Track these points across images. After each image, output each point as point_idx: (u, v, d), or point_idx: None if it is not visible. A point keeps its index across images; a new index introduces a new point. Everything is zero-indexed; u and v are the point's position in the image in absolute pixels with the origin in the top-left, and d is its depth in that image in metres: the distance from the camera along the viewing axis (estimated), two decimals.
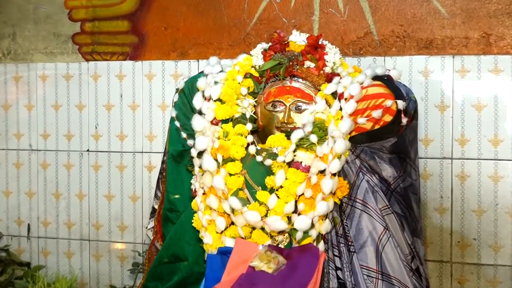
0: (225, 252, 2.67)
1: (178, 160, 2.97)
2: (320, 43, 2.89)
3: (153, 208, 3.16)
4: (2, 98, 4.09)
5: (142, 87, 3.81)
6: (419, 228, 2.89)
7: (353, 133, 2.65)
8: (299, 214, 2.61)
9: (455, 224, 3.35)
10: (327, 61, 2.84)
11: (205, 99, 2.84)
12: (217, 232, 2.74)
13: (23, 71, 4.05)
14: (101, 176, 3.92)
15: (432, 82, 3.36)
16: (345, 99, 2.63)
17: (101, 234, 3.95)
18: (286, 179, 2.63)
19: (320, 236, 2.65)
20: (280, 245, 2.67)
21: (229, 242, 2.70)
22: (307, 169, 2.63)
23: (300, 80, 2.81)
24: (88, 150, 3.94)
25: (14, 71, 4.06)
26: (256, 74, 2.89)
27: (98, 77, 3.89)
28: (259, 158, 2.73)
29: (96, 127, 3.91)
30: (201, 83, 2.88)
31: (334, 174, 2.60)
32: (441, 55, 3.36)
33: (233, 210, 2.67)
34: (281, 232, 2.66)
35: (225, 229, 2.73)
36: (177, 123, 2.95)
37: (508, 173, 3.27)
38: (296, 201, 2.62)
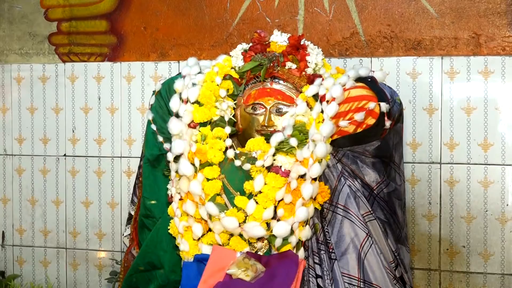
0: (201, 260, 2.69)
1: (155, 164, 2.99)
2: (302, 43, 2.91)
3: (130, 214, 3.18)
4: None
5: (121, 89, 3.84)
6: (404, 235, 2.92)
7: (335, 137, 2.68)
8: (278, 220, 2.63)
9: (443, 231, 3.39)
10: (309, 62, 2.86)
11: (183, 101, 2.86)
12: (193, 239, 2.76)
13: None
14: (79, 182, 3.95)
15: (420, 84, 3.39)
16: (327, 101, 2.65)
17: (79, 242, 3.97)
18: (265, 184, 2.65)
19: (300, 243, 2.68)
20: (259, 252, 2.69)
21: (206, 249, 2.72)
22: (286, 174, 2.65)
23: (281, 81, 2.84)
24: (65, 155, 3.96)
25: None
26: (236, 76, 2.92)
27: (76, 78, 3.92)
28: (237, 163, 2.75)
29: (73, 131, 3.93)
30: (178, 84, 2.90)
31: (314, 179, 2.63)
32: (429, 56, 3.39)
33: (210, 216, 2.69)
34: (260, 239, 2.68)
35: (202, 236, 2.75)
36: (154, 126, 2.96)
37: (498, 178, 3.31)
38: (275, 207, 2.64)
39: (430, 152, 3.39)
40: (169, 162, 2.85)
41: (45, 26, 3.99)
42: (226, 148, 2.79)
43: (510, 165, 3.30)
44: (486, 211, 3.33)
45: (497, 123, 3.30)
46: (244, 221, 2.66)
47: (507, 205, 3.30)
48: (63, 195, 3.98)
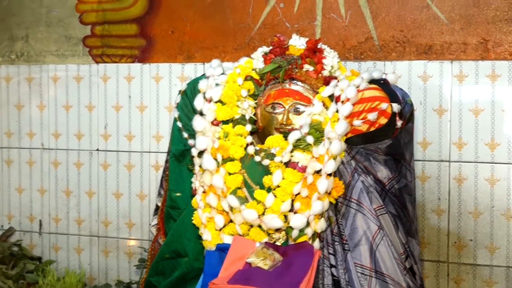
0: (223, 249, 2.68)
1: (180, 159, 2.99)
2: (319, 47, 2.89)
3: (157, 205, 3.18)
4: (15, 99, 4.14)
5: (150, 89, 3.85)
6: (414, 228, 2.90)
7: (349, 135, 2.66)
8: (295, 213, 2.62)
9: (452, 225, 3.36)
10: (325, 65, 2.84)
11: (206, 100, 2.85)
12: (216, 230, 2.75)
13: (35, 72, 4.10)
14: (110, 175, 3.96)
15: (431, 87, 3.37)
16: (342, 101, 2.63)
17: (110, 230, 3.98)
18: (283, 178, 2.64)
19: (315, 235, 2.66)
20: (276, 243, 2.68)
21: (227, 239, 2.71)
22: (303, 169, 2.63)
23: (299, 83, 2.82)
24: (97, 149, 3.98)
25: (27, 72, 4.11)
26: (257, 77, 2.90)
27: (108, 78, 3.93)
28: (257, 158, 2.74)
29: (105, 127, 3.95)
30: (202, 85, 2.89)
31: (329, 175, 2.61)
32: (440, 60, 3.36)
33: (231, 208, 2.68)
34: (277, 230, 2.67)
35: (223, 227, 2.74)
36: (179, 124, 2.96)
37: (504, 176, 3.28)
38: (292, 200, 2.63)
39: (440, 151, 3.36)
40: (193, 157, 2.84)
41: (80, 29, 4.00)
42: (247, 145, 2.77)
43: None
44: (493, 207, 3.30)
45: (504, 124, 3.27)
46: (263, 213, 2.64)
47: None
48: (96, 187, 4.00)
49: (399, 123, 2.68)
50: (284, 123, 2.77)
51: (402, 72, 3.39)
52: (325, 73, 2.84)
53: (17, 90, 4.14)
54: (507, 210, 3.29)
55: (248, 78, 2.89)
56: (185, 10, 3.77)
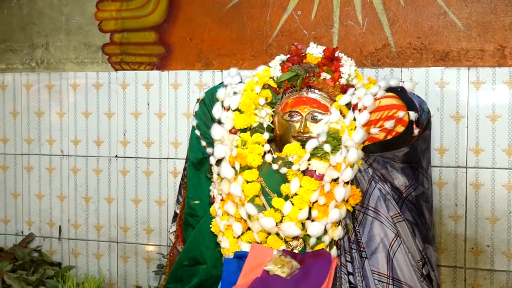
0: (241, 256, 2.70)
1: (198, 167, 3.01)
2: (336, 55, 2.91)
3: (175, 212, 3.20)
4: (35, 106, 4.18)
5: (168, 96, 3.87)
6: (431, 235, 2.90)
7: (366, 143, 2.67)
8: (312, 221, 2.63)
9: (469, 231, 3.36)
10: (343, 73, 2.85)
11: (224, 109, 2.87)
12: (234, 237, 2.77)
13: (55, 79, 4.13)
14: (129, 181, 3.99)
15: (448, 93, 3.37)
16: (359, 110, 2.64)
17: (129, 236, 4.01)
18: (301, 186, 2.65)
19: (333, 242, 2.68)
20: (294, 250, 2.70)
21: (245, 247, 2.73)
22: (321, 177, 2.65)
23: (316, 91, 2.84)
24: (116, 156, 4.01)
25: (47, 79, 4.15)
26: (274, 85, 2.92)
27: (127, 86, 3.96)
28: (275, 166, 2.75)
29: (124, 134, 3.98)
30: (220, 93, 2.92)
31: (347, 183, 2.63)
32: (456, 67, 3.37)
33: (249, 216, 2.70)
34: (295, 238, 2.68)
35: (241, 234, 2.76)
36: (197, 132, 2.99)
37: None
38: (310, 208, 2.64)
39: (457, 157, 3.37)
40: (211, 165, 2.86)
41: (99, 37, 4.04)
42: (265, 153, 2.79)
43: None
44: (510, 212, 3.30)
45: None
46: (281, 221, 2.66)
47: None
48: (115, 193, 4.03)
49: (416, 131, 2.68)
50: (302, 131, 2.78)
51: (419, 79, 3.40)
52: (343, 81, 2.85)
53: (37, 97, 4.18)
54: None
55: (265, 86, 2.91)
56: (203, 17, 3.80)
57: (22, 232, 4.26)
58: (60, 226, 4.18)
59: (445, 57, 3.39)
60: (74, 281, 3.86)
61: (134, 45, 3.96)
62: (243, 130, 2.85)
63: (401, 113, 2.62)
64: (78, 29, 4.08)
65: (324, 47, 2.96)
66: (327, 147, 2.64)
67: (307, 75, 2.85)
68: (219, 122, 2.87)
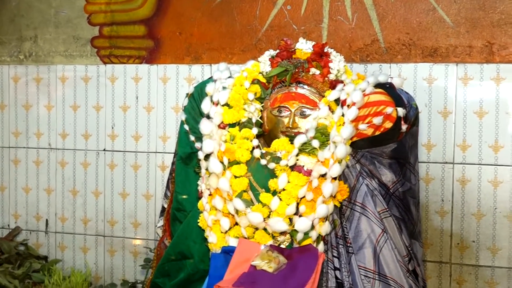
0: (228, 251, 2.71)
1: (187, 162, 3.01)
2: (325, 51, 2.91)
3: (163, 207, 3.21)
4: (23, 99, 4.17)
5: (157, 90, 3.87)
6: (417, 231, 2.92)
7: (354, 139, 2.69)
8: (300, 216, 2.65)
9: (455, 226, 3.38)
10: (332, 69, 2.86)
11: (213, 103, 2.88)
12: (221, 232, 2.78)
13: (43, 72, 4.12)
14: (117, 175, 3.99)
15: (436, 89, 3.38)
16: (348, 105, 2.66)
17: (116, 230, 4.01)
18: (289, 182, 2.67)
19: (320, 238, 2.69)
20: (281, 245, 2.71)
21: (232, 242, 2.74)
22: (308, 173, 2.66)
23: (305, 86, 2.84)
24: (104, 150, 4.00)
25: (35, 72, 4.14)
26: (263, 80, 2.93)
27: (115, 79, 3.96)
28: (263, 162, 2.76)
29: (112, 128, 3.97)
30: (209, 88, 2.92)
31: (334, 178, 2.64)
32: (445, 63, 3.38)
33: (237, 211, 2.71)
34: (282, 233, 2.70)
35: (229, 229, 2.77)
36: (186, 127, 2.99)
37: (508, 179, 3.29)
38: (297, 204, 2.65)
39: (444, 153, 3.38)
40: (200, 160, 2.87)
41: (88, 30, 4.02)
42: (253, 148, 2.80)
43: None
44: (495, 209, 3.32)
45: (508, 127, 3.29)
46: (268, 216, 2.68)
47: None
48: (102, 186, 4.02)
49: (404, 127, 2.70)
50: (290, 126, 2.79)
51: (408, 75, 3.41)
52: (332, 76, 2.86)
53: (25, 90, 4.16)
54: (509, 212, 3.30)
55: (255, 81, 2.92)
56: (192, 11, 3.79)
57: (9, 225, 4.25)
58: (47, 219, 4.17)
59: (434, 53, 3.40)
60: (60, 274, 3.86)
61: (123, 39, 3.95)
62: (232, 125, 2.86)
63: (389, 109, 2.63)
64: (67, 22, 4.06)
65: (313, 43, 2.97)
66: (316, 143, 2.65)
67: (296, 70, 2.86)
68: (208, 116, 2.87)
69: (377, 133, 2.68)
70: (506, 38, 3.30)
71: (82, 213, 4.08)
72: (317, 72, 2.86)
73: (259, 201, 2.71)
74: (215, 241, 2.78)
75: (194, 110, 3.00)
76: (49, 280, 3.81)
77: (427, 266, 3.41)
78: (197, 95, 3.00)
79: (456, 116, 3.36)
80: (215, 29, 3.76)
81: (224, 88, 2.91)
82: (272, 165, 2.74)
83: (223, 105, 2.87)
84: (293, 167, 2.71)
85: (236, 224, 2.76)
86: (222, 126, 2.85)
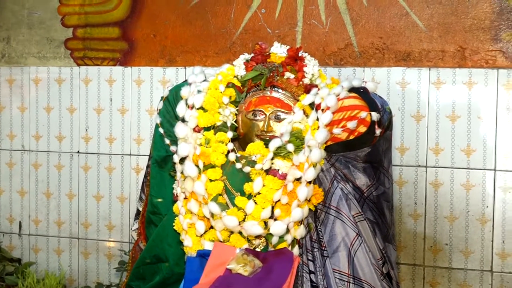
0: (204, 255, 2.71)
1: (162, 165, 3.00)
2: (300, 55, 2.92)
3: (138, 210, 3.19)
4: None
5: (131, 92, 3.86)
6: (391, 234, 2.94)
7: (329, 143, 2.69)
8: (275, 220, 2.65)
9: (428, 229, 3.41)
10: (306, 73, 2.87)
11: (188, 107, 2.87)
12: (196, 235, 2.78)
13: (16, 74, 4.09)
14: (91, 177, 3.97)
15: (409, 93, 3.41)
16: (322, 110, 2.66)
17: (90, 232, 3.99)
18: (264, 186, 2.67)
19: (295, 241, 2.70)
20: (256, 249, 2.71)
21: (208, 245, 2.74)
22: (283, 177, 2.66)
23: (280, 90, 2.85)
24: (78, 152, 3.98)
25: (8, 74, 4.11)
26: (238, 84, 2.93)
27: (89, 81, 3.94)
28: (238, 165, 2.76)
29: (86, 130, 3.95)
30: (184, 91, 2.91)
31: (309, 182, 2.65)
32: (418, 67, 3.41)
33: (212, 215, 2.71)
34: (258, 237, 2.70)
35: (204, 233, 2.76)
36: (161, 130, 2.98)
37: (479, 182, 3.33)
38: (272, 207, 2.66)
39: (417, 156, 3.41)
40: (175, 163, 2.86)
41: (62, 32, 4.00)
42: (228, 152, 2.80)
43: (490, 169, 3.32)
44: (468, 212, 3.35)
45: (479, 131, 3.33)
46: (244, 220, 2.67)
47: (487, 207, 3.33)
48: (76, 189, 4.00)
49: (378, 131, 2.71)
50: (265, 130, 2.79)
51: (381, 79, 3.44)
52: (306, 81, 2.87)
53: None
54: (481, 215, 3.34)
55: (229, 85, 2.91)
56: (167, 14, 3.78)
57: None
58: (20, 221, 4.14)
59: (407, 57, 3.43)
60: (34, 277, 3.84)
61: (97, 41, 3.94)
62: (207, 129, 2.85)
63: (363, 114, 2.64)
64: (41, 24, 4.04)
65: (288, 47, 2.98)
66: (290, 147, 2.66)
67: (271, 74, 2.86)
68: (183, 120, 2.86)
69: (352, 137, 2.68)
70: (478, 43, 3.34)
71: (56, 215, 4.06)
72: (292, 76, 2.87)
73: (234, 205, 2.71)
74: (190, 245, 2.78)
75: (169, 113, 2.98)
76: (23, 283, 3.79)
77: (400, 268, 3.44)
78: (172, 98, 2.98)
79: (429, 120, 3.39)
80: (189, 32, 3.76)
81: (199, 91, 2.90)
82: (247, 169, 2.74)
83: (198, 109, 2.86)
84: (268, 171, 2.71)
85: (212, 227, 2.76)
86: (197, 129, 2.84)
